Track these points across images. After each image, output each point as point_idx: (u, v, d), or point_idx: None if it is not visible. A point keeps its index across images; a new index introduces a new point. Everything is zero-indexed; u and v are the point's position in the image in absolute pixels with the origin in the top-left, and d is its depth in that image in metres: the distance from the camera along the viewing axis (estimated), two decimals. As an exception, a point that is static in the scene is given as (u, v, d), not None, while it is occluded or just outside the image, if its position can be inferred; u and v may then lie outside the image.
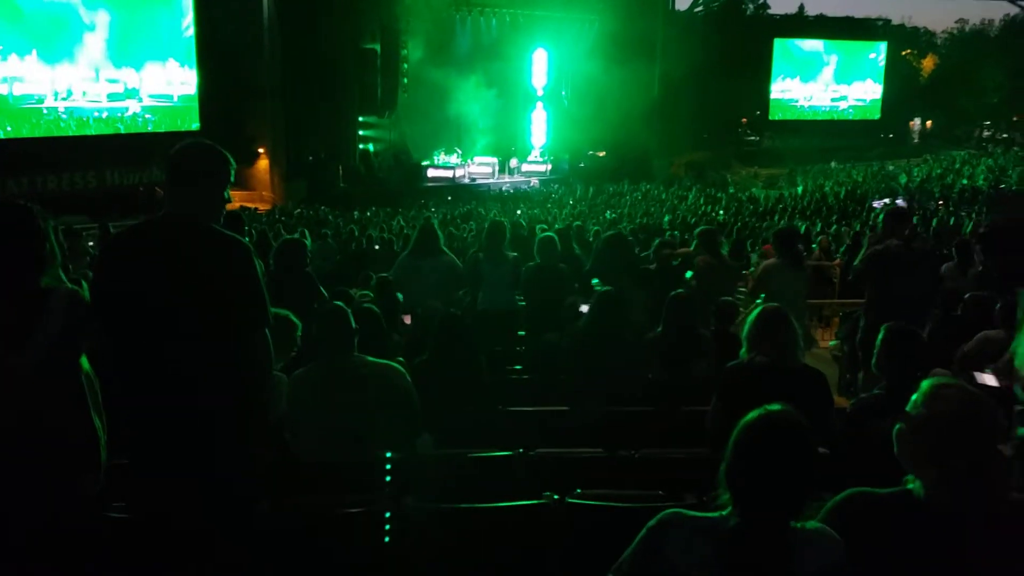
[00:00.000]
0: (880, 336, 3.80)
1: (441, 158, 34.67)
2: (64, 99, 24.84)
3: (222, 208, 2.95)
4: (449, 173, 33.88)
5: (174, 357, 2.71)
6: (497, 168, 35.57)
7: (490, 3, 34.33)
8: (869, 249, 6.30)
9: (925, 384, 2.24)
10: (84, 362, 2.77)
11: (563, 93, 38.82)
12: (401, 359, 4.28)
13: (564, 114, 38.38)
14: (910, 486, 2.22)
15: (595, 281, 6.70)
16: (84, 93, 25.30)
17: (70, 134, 24.97)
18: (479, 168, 35.38)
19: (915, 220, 16.96)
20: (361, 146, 33.98)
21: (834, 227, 17.40)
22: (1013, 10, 46.60)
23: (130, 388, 2.76)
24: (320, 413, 3.69)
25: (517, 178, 35.75)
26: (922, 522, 2.18)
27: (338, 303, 4.11)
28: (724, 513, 2.05)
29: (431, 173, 33.84)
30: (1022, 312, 3.50)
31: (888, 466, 2.28)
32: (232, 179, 2.96)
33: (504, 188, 33.47)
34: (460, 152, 34.98)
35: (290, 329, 4.13)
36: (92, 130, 25.61)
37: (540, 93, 38.82)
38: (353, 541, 3.09)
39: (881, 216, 7.16)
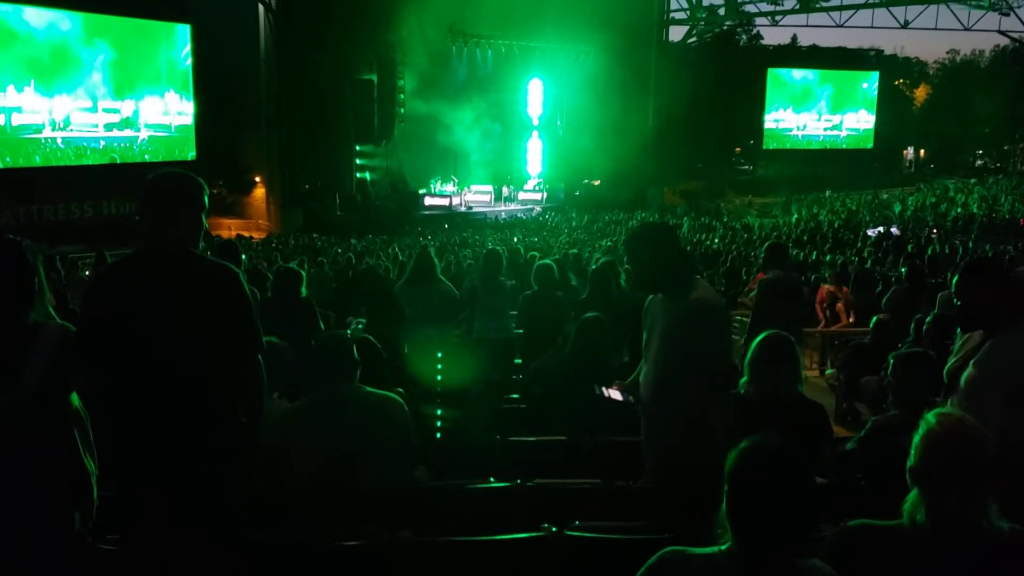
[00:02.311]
0: (892, 361, 3.87)
1: (438, 187, 34.83)
2: (61, 129, 24.94)
3: (200, 234, 2.94)
4: (446, 201, 34.05)
5: (166, 384, 2.70)
6: (493, 196, 35.72)
7: (486, 35, 34.63)
8: (759, 279, 6.94)
9: (928, 414, 2.26)
10: (74, 398, 2.75)
11: (558, 123, 39.07)
12: (401, 390, 4.27)
13: (559, 143, 38.61)
14: (905, 520, 2.22)
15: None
16: (82, 124, 25.41)
17: (67, 164, 25.04)
18: (475, 196, 35.56)
19: (910, 248, 17.08)
20: (358, 175, 34.13)
21: (828, 256, 17.45)
22: (1003, 41, 47.18)
23: (121, 416, 2.74)
24: (317, 443, 3.66)
25: (513, 206, 35.90)
26: (922, 552, 2.18)
27: (338, 332, 4.10)
28: (723, 548, 2.03)
29: (428, 201, 34.00)
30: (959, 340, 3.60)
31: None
32: (207, 204, 2.95)
33: (500, 216, 33.59)
34: (456, 181, 35.15)
35: (281, 356, 4.09)
36: (89, 160, 25.70)
37: (536, 123, 39.07)
38: (348, 574, 3.06)
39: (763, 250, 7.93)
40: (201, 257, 2.83)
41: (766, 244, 8.70)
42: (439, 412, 3.16)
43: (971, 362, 3.34)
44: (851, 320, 10.35)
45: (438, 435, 3.16)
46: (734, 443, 2.09)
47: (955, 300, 3.49)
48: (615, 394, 3.51)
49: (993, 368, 3.26)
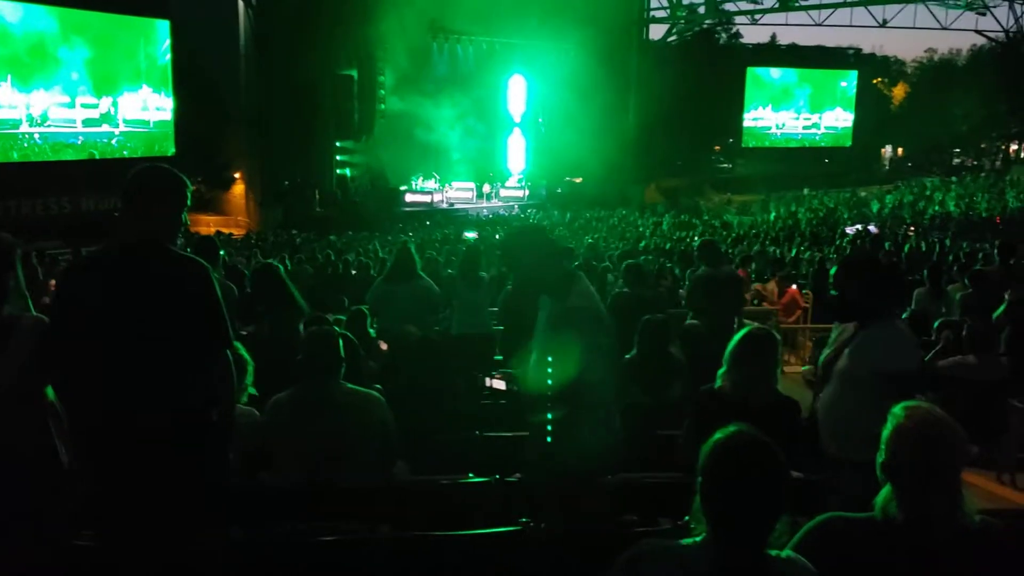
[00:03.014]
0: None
1: (419, 183, 34.73)
2: (39, 125, 24.68)
3: (178, 230, 2.94)
4: (427, 198, 33.97)
5: (134, 379, 2.69)
6: (475, 193, 35.69)
7: (467, 31, 34.56)
8: (694, 275, 7.35)
9: (896, 407, 2.29)
10: (49, 391, 2.74)
11: (540, 120, 39.07)
12: (378, 386, 4.27)
13: (541, 141, 38.61)
14: (877, 513, 2.25)
15: None
16: (60, 119, 25.15)
17: (45, 160, 24.78)
18: (457, 193, 35.49)
19: (887, 246, 17.22)
20: (338, 171, 33.98)
21: (807, 252, 17.57)
22: (980, 40, 47.65)
23: (88, 409, 2.73)
24: (298, 439, 3.65)
25: (495, 203, 35.88)
26: (895, 545, 2.21)
27: (326, 327, 4.08)
28: (698, 540, 2.05)
29: (409, 198, 33.90)
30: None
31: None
32: (189, 202, 2.94)
33: (482, 213, 33.56)
34: (438, 177, 35.07)
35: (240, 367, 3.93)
36: (67, 156, 25.45)
37: (517, 120, 39.05)
38: (327, 569, 3.06)
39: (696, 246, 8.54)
40: (172, 251, 2.82)
41: (699, 241, 8.99)
42: (548, 416, 3.16)
43: (844, 352, 3.45)
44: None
45: (548, 439, 3.17)
46: (697, 440, 2.11)
47: (832, 292, 3.63)
48: (498, 384, 3.52)
49: (863, 358, 3.39)
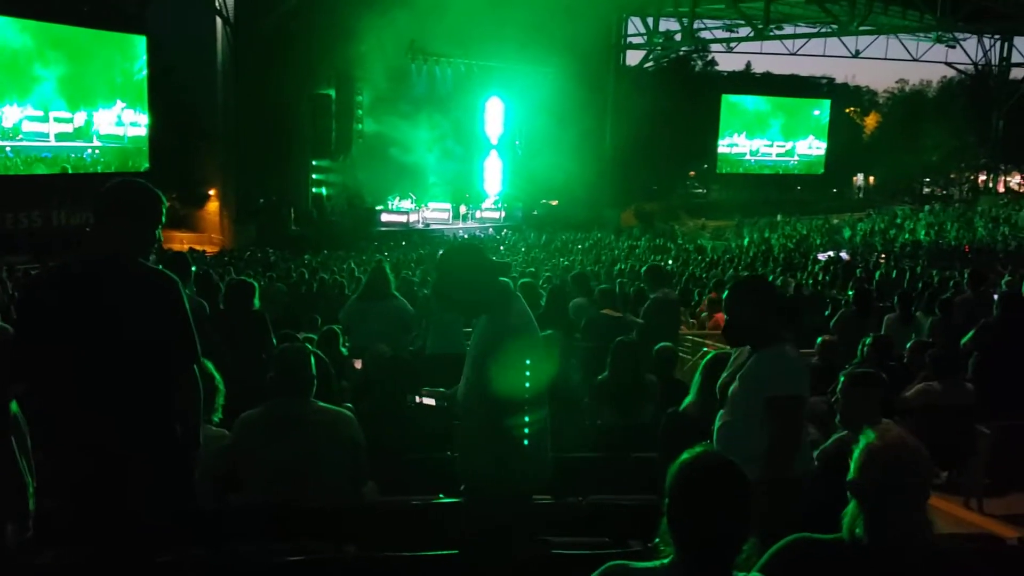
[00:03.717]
0: (840, 383, 3.95)
1: (395, 203, 34.69)
2: (11, 138, 24.40)
3: (151, 246, 2.91)
4: (403, 218, 33.92)
5: (98, 393, 2.65)
6: (451, 214, 35.71)
7: (445, 53, 34.69)
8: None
9: (868, 429, 2.31)
10: (13, 405, 2.69)
11: (517, 143, 39.23)
12: (349, 405, 4.24)
13: (518, 163, 38.75)
14: (844, 534, 2.26)
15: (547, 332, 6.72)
16: (32, 133, 24.90)
17: (16, 173, 24.50)
18: (433, 214, 35.46)
19: (858, 272, 17.41)
20: (314, 190, 33.85)
21: (780, 279, 17.71)
22: (950, 72, 48.55)
23: (54, 426, 2.68)
24: (267, 457, 3.61)
25: (471, 224, 35.91)
26: (862, 567, 2.22)
27: (298, 345, 4.04)
28: (666, 562, 2.04)
29: (385, 218, 33.82)
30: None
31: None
32: (164, 219, 2.92)
33: (459, 234, 33.56)
34: (414, 198, 35.06)
35: (210, 388, 3.84)
36: (39, 169, 25.17)
37: (495, 142, 39.17)
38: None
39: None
40: (141, 265, 2.79)
41: (646, 267, 9.32)
42: (526, 419, 3.13)
43: (737, 376, 3.47)
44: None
45: (525, 442, 3.13)
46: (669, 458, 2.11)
47: (725, 316, 3.64)
48: (428, 401, 3.52)
49: (754, 382, 3.39)
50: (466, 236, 32.45)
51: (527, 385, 3.14)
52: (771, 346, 3.40)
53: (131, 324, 2.68)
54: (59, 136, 25.57)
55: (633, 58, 43.14)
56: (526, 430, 3.15)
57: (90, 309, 2.66)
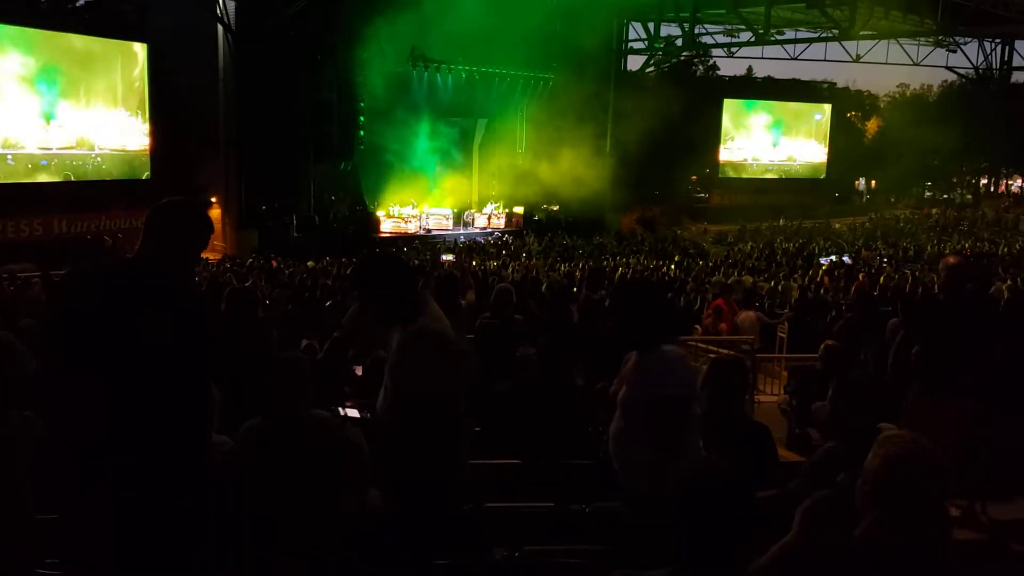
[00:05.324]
0: (832, 389, 3.88)
1: (397, 210, 34.73)
2: (12, 146, 24.42)
3: (193, 267, 2.99)
4: (405, 224, 33.95)
5: (124, 396, 2.66)
6: (453, 220, 35.73)
7: (447, 60, 34.73)
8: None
9: (882, 436, 2.29)
10: None
11: (518, 149, 39.25)
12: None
13: (519, 168, 38.76)
14: (858, 540, 2.24)
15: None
16: (34, 140, 24.93)
17: (17, 181, 24.52)
18: (435, 220, 35.50)
19: (861, 277, 17.38)
20: (316, 197, 33.89)
21: (782, 283, 17.70)
22: (951, 76, 48.58)
23: (78, 419, 2.69)
24: (268, 466, 3.61)
25: (472, 230, 35.93)
26: (875, 570, 2.19)
27: (296, 353, 4.05)
28: (667, 570, 2.03)
29: (386, 224, 33.88)
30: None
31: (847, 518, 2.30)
32: (206, 242, 2.98)
33: (460, 239, 33.60)
34: (415, 204, 35.10)
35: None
36: (40, 177, 25.20)
37: (494, 147, 39.16)
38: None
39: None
40: (178, 279, 2.84)
41: (587, 269, 9.33)
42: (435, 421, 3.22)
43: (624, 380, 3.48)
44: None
45: (436, 442, 3.23)
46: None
47: (612, 320, 3.64)
48: (352, 412, 3.56)
49: (639, 386, 3.40)
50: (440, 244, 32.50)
51: (435, 388, 3.22)
52: (653, 349, 3.40)
53: (161, 332, 2.71)
54: (61, 144, 25.58)
55: (634, 63, 43.22)
56: (436, 431, 3.23)
57: (127, 310, 2.70)
